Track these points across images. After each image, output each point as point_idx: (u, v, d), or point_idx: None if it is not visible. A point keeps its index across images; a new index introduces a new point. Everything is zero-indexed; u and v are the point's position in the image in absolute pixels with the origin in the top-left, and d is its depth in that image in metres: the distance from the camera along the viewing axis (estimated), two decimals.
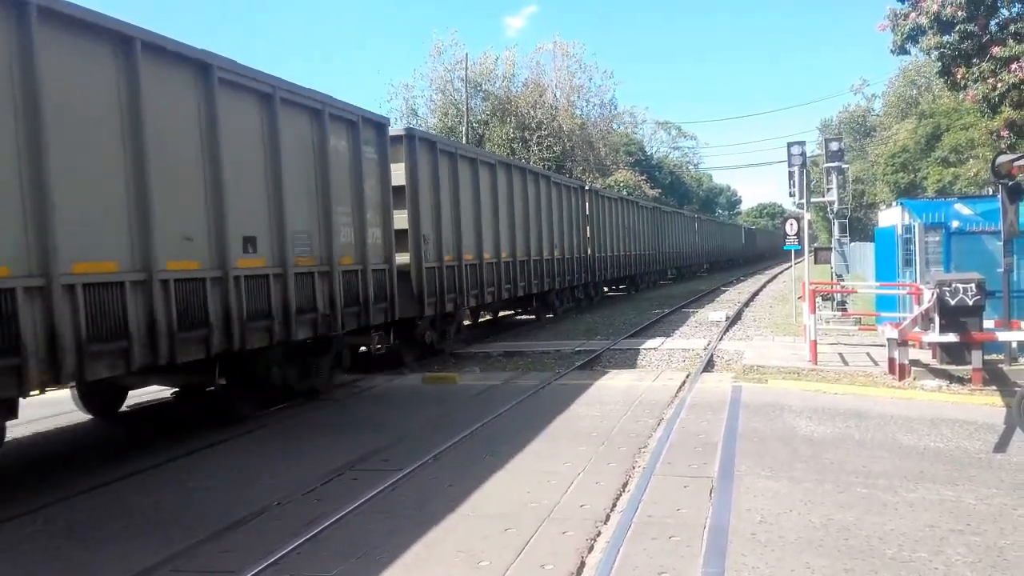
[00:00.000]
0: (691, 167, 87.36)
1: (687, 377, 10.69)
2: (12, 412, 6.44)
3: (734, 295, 29.07)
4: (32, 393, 6.55)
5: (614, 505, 5.52)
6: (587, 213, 23.77)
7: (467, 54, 38.02)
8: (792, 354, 12.32)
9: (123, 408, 9.60)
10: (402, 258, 11.85)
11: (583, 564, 4.54)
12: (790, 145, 17.76)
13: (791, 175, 17.91)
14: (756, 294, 28.65)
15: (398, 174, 11.85)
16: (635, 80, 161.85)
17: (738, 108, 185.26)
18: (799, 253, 19.45)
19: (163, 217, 7.09)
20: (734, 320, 18.74)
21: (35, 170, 5.94)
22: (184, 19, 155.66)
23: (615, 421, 8.11)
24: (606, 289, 28.59)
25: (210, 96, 7.71)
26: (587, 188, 24.70)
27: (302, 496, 5.95)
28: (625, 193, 34.88)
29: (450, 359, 13.59)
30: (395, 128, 11.93)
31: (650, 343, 14.68)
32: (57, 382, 6.35)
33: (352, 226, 10.27)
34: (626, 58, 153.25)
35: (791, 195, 18.69)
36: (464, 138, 35.39)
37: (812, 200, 20.19)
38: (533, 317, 20.84)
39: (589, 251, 23.83)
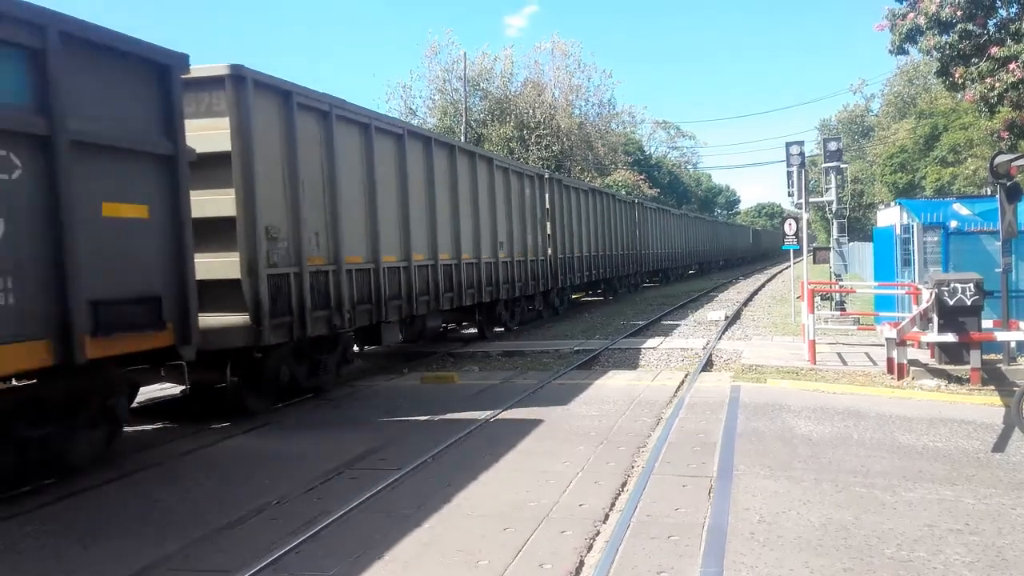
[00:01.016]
0: (690, 167, 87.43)
1: (686, 376, 10.70)
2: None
3: (733, 294, 29.12)
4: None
5: (613, 505, 5.52)
6: (636, 220, 31.12)
7: (464, 53, 38.03)
8: (791, 354, 12.32)
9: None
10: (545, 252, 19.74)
11: (582, 564, 4.54)
12: (788, 145, 17.73)
13: (790, 175, 17.88)
14: (755, 293, 28.70)
15: (545, 200, 19.72)
16: (634, 79, 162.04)
17: (737, 108, 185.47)
18: (798, 253, 19.46)
19: (490, 235, 15.59)
20: (733, 320, 18.75)
21: (403, 211, 12.11)
22: (181, 18, 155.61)
23: (614, 420, 8.12)
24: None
25: (506, 178, 16.79)
26: (636, 201, 32.43)
27: (301, 495, 5.94)
28: (624, 193, 35.47)
29: (448, 359, 13.61)
30: (547, 173, 20.90)
31: (649, 342, 14.68)
32: (413, 311, 12.20)
33: (531, 233, 18.35)
34: (625, 57, 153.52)
35: (790, 195, 18.66)
36: (463, 137, 35.37)
37: (811, 200, 20.17)
38: (601, 297, 27.76)
39: (638, 248, 31.28)
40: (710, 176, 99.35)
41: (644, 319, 19.56)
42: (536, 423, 8.09)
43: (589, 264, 23.63)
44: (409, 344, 14.61)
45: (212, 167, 8.04)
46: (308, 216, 9.36)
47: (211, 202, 8.09)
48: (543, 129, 39.68)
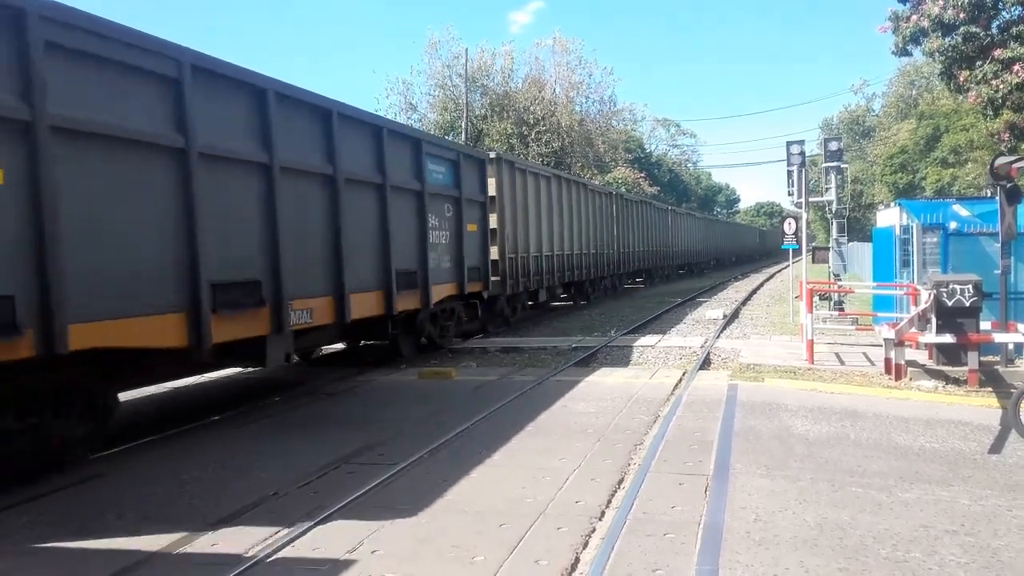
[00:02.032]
0: (690, 165, 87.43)
1: (683, 375, 10.70)
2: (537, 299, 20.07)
3: (732, 293, 29.14)
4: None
5: (609, 502, 5.52)
6: (669, 223, 38.37)
7: (466, 49, 37.96)
8: (789, 353, 12.32)
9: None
10: (613, 247, 27.65)
11: (577, 560, 4.54)
12: (789, 144, 17.71)
13: (790, 174, 17.87)
14: (754, 292, 28.72)
15: (613, 210, 27.36)
16: (635, 76, 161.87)
17: (738, 107, 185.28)
18: (797, 252, 19.46)
19: (586, 235, 23.81)
20: (731, 318, 18.75)
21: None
22: (180, 16, 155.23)
23: (611, 418, 8.12)
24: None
25: (594, 197, 24.98)
26: (669, 208, 40.14)
27: (297, 489, 5.94)
28: (624, 190, 35.74)
29: (447, 354, 13.61)
30: (614, 190, 29.56)
31: (648, 340, 14.68)
32: (540, 287, 19.39)
33: (606, 234, 26.01)
34: (627, 54, 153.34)
35: (790, 194, 18.64)
36: (463, 134, 35.35)
37: (811, 200, 20.14)
38: (643, 284, 34.61)
39: (670, 246, 38.58)
40: (710, 174, 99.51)
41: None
42: (533, 419, 8.09)
43: (638, 258, 31.59)
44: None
45: (487, 203, 15.00)
46: (518, 226, 17.44)
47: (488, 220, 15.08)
48: (543, 126, 39.60)
